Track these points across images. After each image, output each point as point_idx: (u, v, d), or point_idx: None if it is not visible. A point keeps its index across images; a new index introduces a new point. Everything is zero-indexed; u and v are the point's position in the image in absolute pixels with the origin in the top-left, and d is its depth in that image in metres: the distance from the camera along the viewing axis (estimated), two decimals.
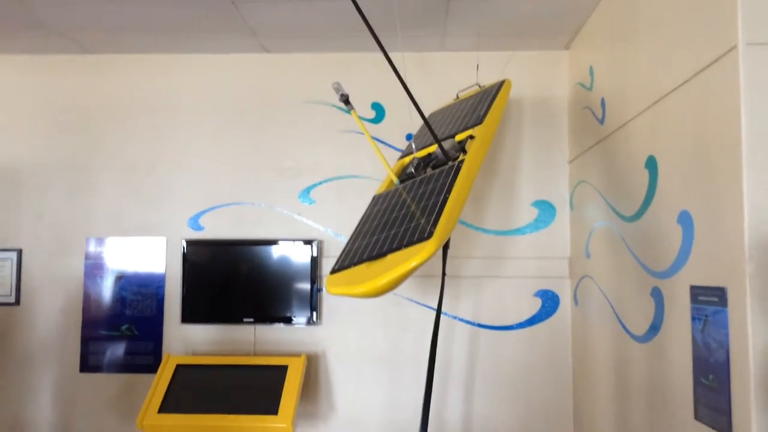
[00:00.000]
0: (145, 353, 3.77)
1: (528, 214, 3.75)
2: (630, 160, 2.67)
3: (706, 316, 1.98)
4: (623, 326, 2.77)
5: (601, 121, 3.08)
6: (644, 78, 2.51)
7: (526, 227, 3.74)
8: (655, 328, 2.41)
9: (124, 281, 3.81)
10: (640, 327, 2.56)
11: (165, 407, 3.32)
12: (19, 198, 3.89)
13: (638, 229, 2.59)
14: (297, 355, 3.62)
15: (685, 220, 2.13)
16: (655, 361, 2.42)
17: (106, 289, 3.81)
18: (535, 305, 3.69)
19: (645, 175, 2.48)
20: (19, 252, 3.85)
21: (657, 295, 2.38)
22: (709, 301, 1.96)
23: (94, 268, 3.82)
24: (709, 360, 1.95)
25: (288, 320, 3.69)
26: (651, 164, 2.43)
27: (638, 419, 2.61)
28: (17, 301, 3.82)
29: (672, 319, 2.26)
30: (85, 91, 3.94)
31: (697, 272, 2.05)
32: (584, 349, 3.42)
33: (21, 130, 3.92)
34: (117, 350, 3.78)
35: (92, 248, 3.83)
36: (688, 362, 2.10)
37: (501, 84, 3.23)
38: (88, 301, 3.81)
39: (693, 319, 2.06)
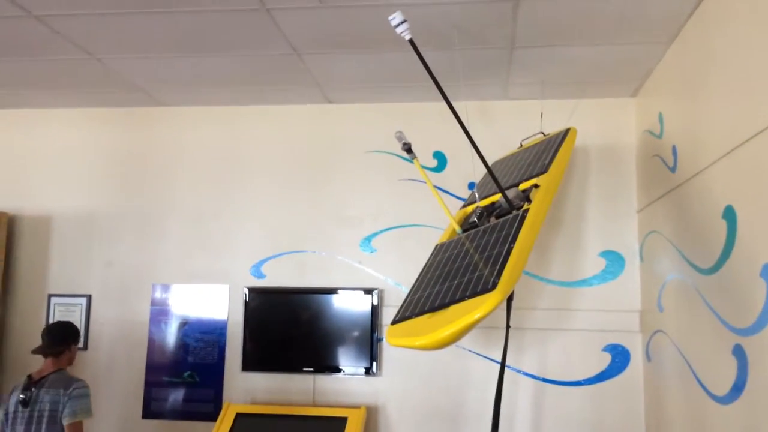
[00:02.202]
0: (205, 401, 3.77)
1: (595, 264, 3.62)
2: (706, 210, 2.55)
3: None
4: (702, 386, 2.60)
5: (673, 170, 2.97)
6: (720, 124, 2.41)
7: (593, 278, 3.61)
8: (738, 388, 2.25)
9: (187, 328, 3.85)
10: (722, 387, 2.39)
11: None
12: (91, 245, 4.02)
13: (716, 283, 2.45)
14: (356, 406, 3.55)
15: None
16: (740, 424, 2.25)
17: (170, 336, 3.86)
18: (603, 360, 3.53)
19: (722, 225, 2.36)
20: (89, 298, 3.96)
21: (739, 353, 2.23)
22: None
23: (159, 314, 3.89)
24: None
25: (347, 370, 3.64)
26: (729, 214, 2.31)
27: None
28: (85, 346, 3.91)
29: (757, 379, 2.10)
30: (156, 142, 4.08)
31: None
32: (659, 408, 3.23)
33: (95, 181, 4.08)
34: (178, 397, 3.79)
35: (158, 294, 3.91)
36: None
37: (566, 132, 3.17)
38: (153, 347, 3.86)
39: None
